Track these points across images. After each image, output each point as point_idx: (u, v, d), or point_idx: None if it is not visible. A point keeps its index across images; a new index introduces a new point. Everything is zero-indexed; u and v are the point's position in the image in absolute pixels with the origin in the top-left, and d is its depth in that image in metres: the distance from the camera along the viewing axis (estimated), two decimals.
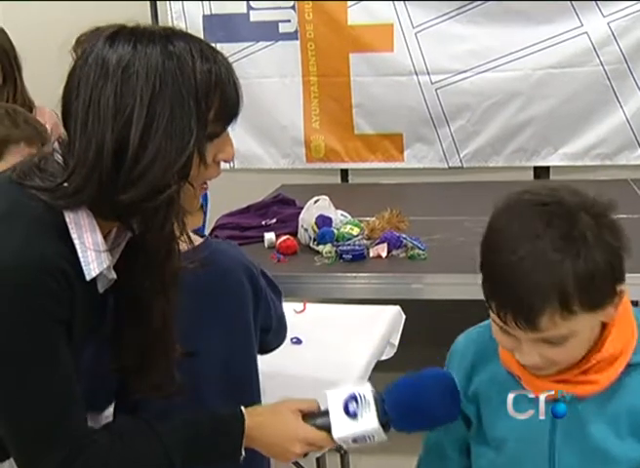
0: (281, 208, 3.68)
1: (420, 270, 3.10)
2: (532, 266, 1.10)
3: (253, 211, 3.69)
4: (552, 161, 4.53)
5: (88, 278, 1.13)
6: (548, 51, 4.34)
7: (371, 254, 3.22)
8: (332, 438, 1.26)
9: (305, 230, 3.36)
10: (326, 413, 1.27)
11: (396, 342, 2.26)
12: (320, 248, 3.27)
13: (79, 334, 1.17)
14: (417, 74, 4.49)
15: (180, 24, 4.58)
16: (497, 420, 1.27)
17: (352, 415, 1.23)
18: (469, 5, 4.35)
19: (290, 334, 2.14)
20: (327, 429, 1.26)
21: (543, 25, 4.30)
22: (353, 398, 1.24)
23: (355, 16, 4.51)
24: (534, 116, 4.46)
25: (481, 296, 3.37)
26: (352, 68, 4.57)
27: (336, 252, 3.23)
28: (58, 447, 1.15)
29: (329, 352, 2.09)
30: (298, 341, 2.16)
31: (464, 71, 4.44)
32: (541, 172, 4.60)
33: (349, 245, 3.25)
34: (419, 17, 4.43)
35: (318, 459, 2.12)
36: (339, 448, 2.31)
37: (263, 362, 1.65)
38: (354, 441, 1.25)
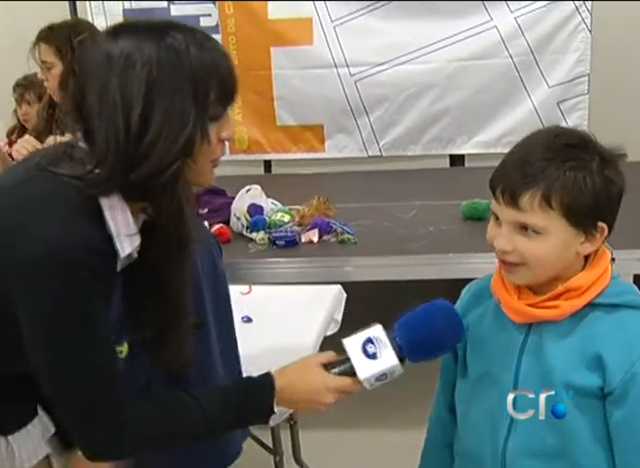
0: (212, 197, 3.76)
1: (350, 254, 3.24)
2: (536, 155, 1.27)
3: None
4: (467, 149, 4.76)
5: (122, 256, 1.23)
6: (461, 44, 4.55)
7: (303, 240, 3.34)
8: (357, 381, 1.35)
9: (238, 218, 3.46)
10: (346, 360, 1.36)
11: (339, 318, 2.40)
12: (253, 235, 3.37)
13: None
14: (336, 67, 4.64)
15: (100, 20, 4.60)
16: (478, 348, 1.43)
17: (372, 356, 1.33)
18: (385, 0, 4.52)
19: (240, 314, 2.27)
20: (350, 374, 1.35)
21: (456, 20, 4.51)
22: (369, 341, 1.34)
23: (275, 10, 4.62)
24: (448, 106, 4.67)
25: (410, 277, 3.51)
26: (273, 61, 4.68)
27: (269, 238, 3.34)
28: (105, 417, 1.22)
29: (279, 328, 2.20)
30: (248, 320, 2.27)
31: (382, 64, 4.61)
32: (457, 159, 4.81)
33: (282, 231, 3.36)
34: (337, 11, 4.58)
35: (273, 429, 2.24)
36: (288, 420, 2.44)
37: None
38: (377, 379, 1.35)
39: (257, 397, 1.36)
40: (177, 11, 4.69)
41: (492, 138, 4.69)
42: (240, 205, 3.47)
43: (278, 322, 2.24)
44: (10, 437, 1.36)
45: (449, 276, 3.21)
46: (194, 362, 1.41)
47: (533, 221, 1.28)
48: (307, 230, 3.39)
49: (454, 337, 1.38)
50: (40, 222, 1.17)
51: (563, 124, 4.59)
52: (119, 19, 4.66)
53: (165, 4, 4.69)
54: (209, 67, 1.22)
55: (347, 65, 4.63)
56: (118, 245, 1.23)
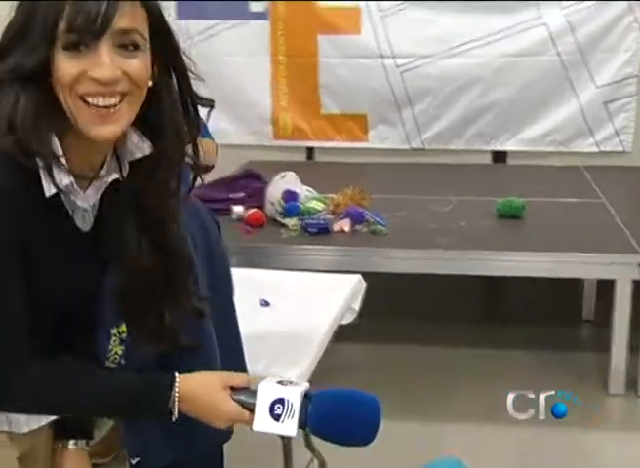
0: (248, 182, 3.81)
1: (380, 245, 3.27)
2: None
3: (221, 184, 3.81)
4: (510, 146, 4.72)
5: (47, 194, 1.22)
6: (509, 40, 4.52)
7: (335, 229, 3.37)
8: (250, 419, 1.33)
9: (272, 204, 3.50)
10: (253, 398, 1.33)
11: (357, 308, 2.41)
12: (286, 221, 3.41)
13: (48, 264, 1.26)
14: (382, 57, 4.64)
15: None
16: None
17: (275, 418, 1.31)
18: None
19: (258, 297, 2.31)
20: (250, 409, 1.33)
21: (505, 15, 4.48)
22: (281, 401, 1.31)
23: None
24: (493, 102, 4.64)
25: (437, 271, 3.52)
26: (320, 49, 4.70)
27: (301, 225, 3.38)
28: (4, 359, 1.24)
29: (295, 313, 2.22)
30: (266, 304, 2.31)
31: (428, 56, 4.60)
32: (499, 156, 4.79)
33: (314, 219, 3.40)
34: (385, 1, 4.58)
35: None
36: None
37: None
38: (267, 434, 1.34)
39: (154, 394, 1.35)
40: None
41: (536, 136, 4.64)
42: (275, 191, 3.51)
43: (294, 308, 2.27)
44: None
45: (476, 272, 3.22)
46: (195, 345, 1.44)
47: None
48: (340, 219, 3.42)
49: (364, 438, 1.32)
50: None
51: (609, 125, 4.54)
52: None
53: None
54: None
55: (393, 56, 4.62)
56: (44, 182, 1.21)
